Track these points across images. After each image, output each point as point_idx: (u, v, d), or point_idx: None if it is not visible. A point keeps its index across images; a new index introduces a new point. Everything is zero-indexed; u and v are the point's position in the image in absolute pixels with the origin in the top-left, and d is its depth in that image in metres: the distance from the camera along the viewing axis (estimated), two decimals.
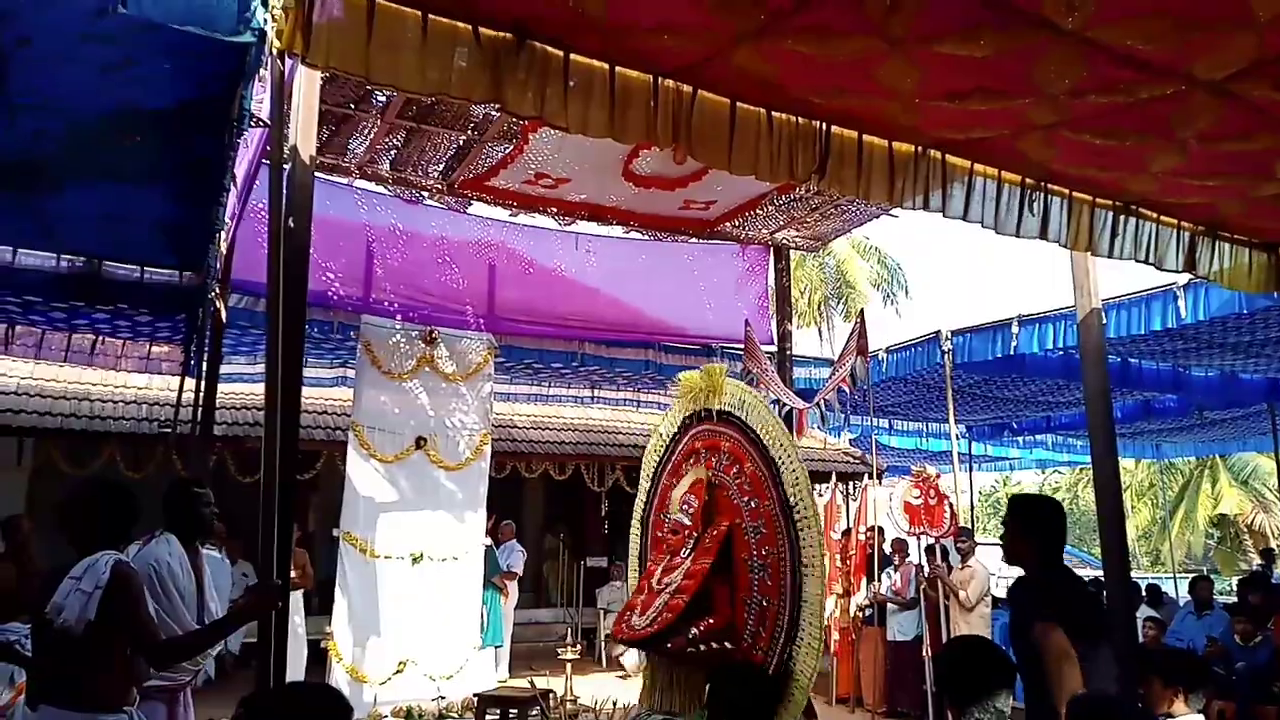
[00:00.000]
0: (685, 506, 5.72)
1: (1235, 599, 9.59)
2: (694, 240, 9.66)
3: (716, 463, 6.11)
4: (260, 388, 4.71)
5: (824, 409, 8.86)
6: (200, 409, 6.45)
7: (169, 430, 8.33)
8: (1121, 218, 4.45)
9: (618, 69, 3.26)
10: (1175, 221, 4.59)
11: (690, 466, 6.02)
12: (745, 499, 6.14)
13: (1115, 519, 4.79)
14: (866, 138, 3.76)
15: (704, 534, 5.94)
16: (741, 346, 9.75)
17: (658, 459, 5.91)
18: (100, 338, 7.99)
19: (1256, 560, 18.34)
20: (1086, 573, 19.38)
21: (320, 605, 10.23)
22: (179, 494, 4.19)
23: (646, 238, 9.63)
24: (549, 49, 3.12)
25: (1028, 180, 4.14)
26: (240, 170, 4.69)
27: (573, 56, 3.17)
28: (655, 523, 5.82)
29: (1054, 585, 3.49)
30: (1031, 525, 3.67)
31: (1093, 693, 2.17)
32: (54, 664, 3.16)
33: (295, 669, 8.82)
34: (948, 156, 3.93)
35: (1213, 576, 22.47)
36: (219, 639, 3.62)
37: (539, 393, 13.33)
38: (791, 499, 6.07)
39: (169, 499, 4.10)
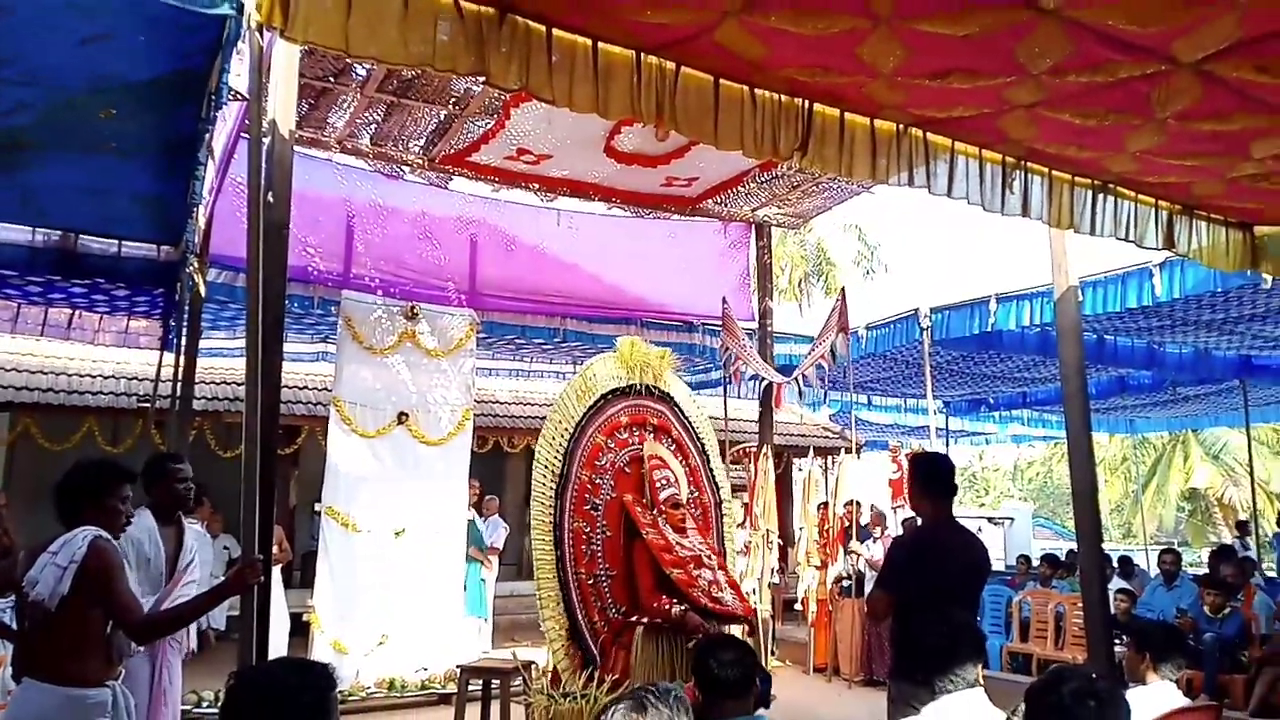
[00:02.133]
0: (667, 482, 5.77)
1: (1206, 570, 9.77)
2: (676, 217, 9.65)
3: (665, 444, 6.24)
4: (240, 362, 4.69)
5: (803, 384, 8.93)
6: (180, 383, 6.42)
7: (148, 404, 8.29)
8: (1100, 196, 4.49)
9: (601, 45, 3.25)
10: (1153, 200, 4.64)
11: (646, 440, 6.09)
12: (690, 488, 6.32)
13: (1089, 492, 4.86)
14: (849, 115, 3.77)
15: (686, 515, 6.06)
16: (720, 322, 9.79)
17: (583, 408, 5.90)
18: (77, 312, 7.93)
19: (1232, 532, 18.65)
20: (1060, 545, 19.66)
21: (302, 579, 10.25)
22: (156, 469, 4.21)
23: (628, 214, 9.62)
24: (531, 24, 3.11)
25: (1008, 159, 4.17)
26: (219, 144, 4.64)
27: (555, 32, 3.16)
28: (583, 485, 5.79)
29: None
30: (916, 480, 4.10)
31: (1060, 667, 2.23)
32: (35, 638, 3.17)
33: (277, 642, 8.85)
34: (929, 134, 3.95)
35: (1183, 549, 22.88)
36: (201, 615, 3.63)
37: (521, 368, 13.35)
38: (721, 495, 6.37)
39: (146, 474, 4.12)
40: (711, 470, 6.55)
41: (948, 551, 3.88)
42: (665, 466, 5.91)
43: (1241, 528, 14.82)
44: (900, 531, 9.55)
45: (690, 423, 6.49)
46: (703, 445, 6.52)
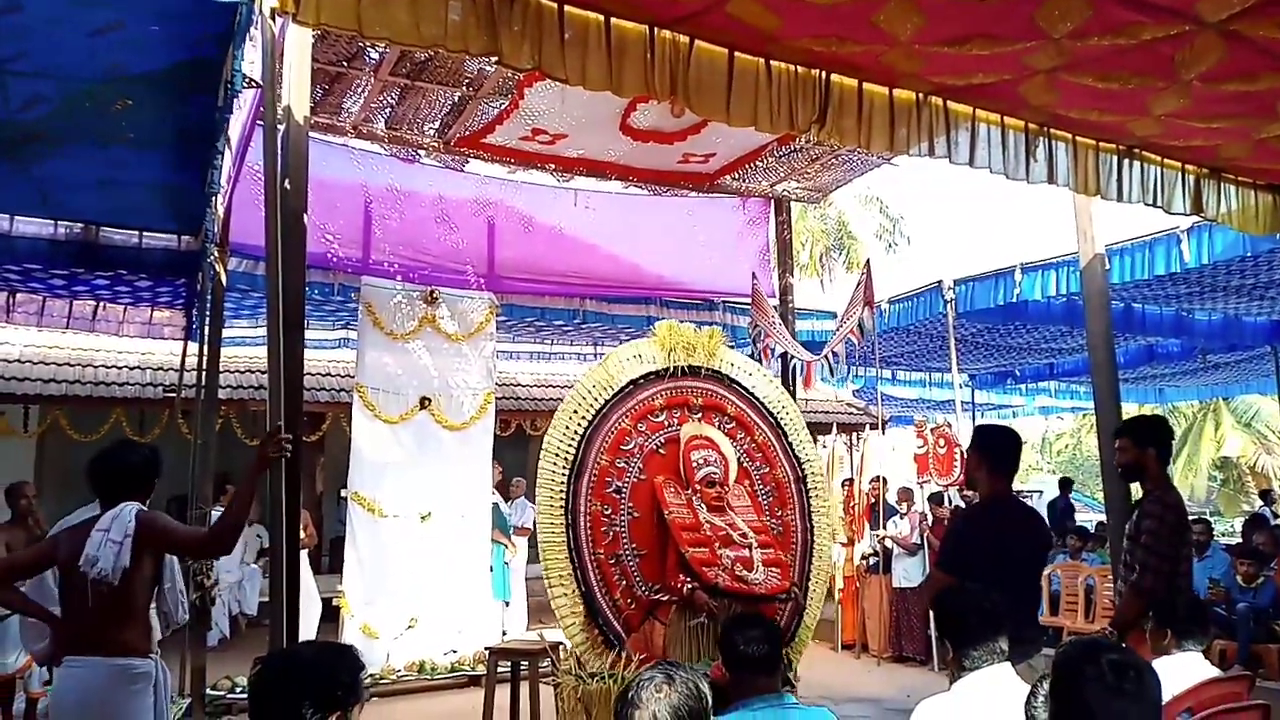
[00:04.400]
0: (705, 462, 5.75)
1: (1239, 540, 9.67)
2: (694, 194, 9.57)
3: (720, 424, 6.19)
4: (264, 350, 4.71)
5: (832, 361, 8.86)
6: (204, 373, 6.46)
7: (174, 394, 8.36)
8: (1126, 161, 4.42)
9: (613, 20, 3.22)
10: (1180, 164, 4.57)
11: (689, 421, 6.06)
12: (755, 464, 6.27)
13: None
14: (867, 86, 3.73)
15: (753, 492, 6.06)
16: (745, 300, 9.72)
17: (605, 397, 5.88)
18: (101, 304, 7.99)
19: (1258, 502, 18.44)
20: (1090, 517, 19.54)
21: (331, 564, 10.35)
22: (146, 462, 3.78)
23: (646, 192, 9.54)
24: (543, 1, 3.08)
25: (1031, 125, 4.11)
26: (235, 132, 4.64)
27: (567, 8, 3.14)
28: (604, 469, 5.79)
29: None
30: (982, 454, 3.90)
31: (1084, 638, 2.20)
32: (89, 616, 3.23)
33: (308, 627, 8.95)
34: (949, 103, 3.90)
35: (1215, 518, 22.65)
36: (248, 503, 3.62)
37: (541, 350, 13.34)
38: (805, 469, 6.28)
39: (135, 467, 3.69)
40: (790, 445, 6.48)
41: (1011, 528, 3.75)
42: (707, 446, 5.89)
43: (1265, 497, 14.65)
44: (926, 508, 9.51)
45: (758, 398, 6.41)
46: (776, 420, 6.45)
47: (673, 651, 5.27)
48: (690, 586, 5.23)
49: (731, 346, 6.81)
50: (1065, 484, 14.82)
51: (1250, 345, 10.75)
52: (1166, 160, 4.51)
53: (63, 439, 10.33)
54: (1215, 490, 26.65)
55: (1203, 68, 3.28)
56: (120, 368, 11.12)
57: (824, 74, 3.61)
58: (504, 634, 9.19)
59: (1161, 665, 3.04)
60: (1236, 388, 15.31)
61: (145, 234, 6.11)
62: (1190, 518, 7.83)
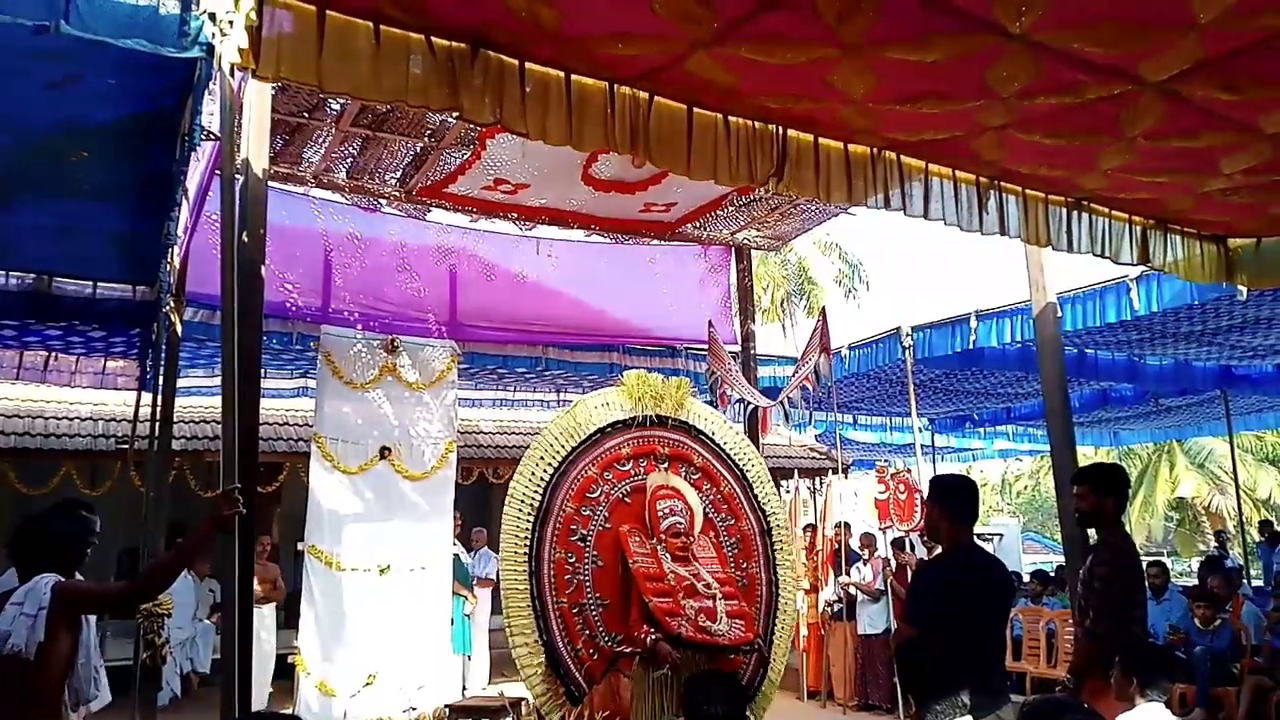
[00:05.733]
0: (670, 511, 5.74)
1: (1197, 581, 9.78)
2: (656, 242, 9.65)
3: (686, 474, 6.19)
4: (219, 400, 4.65)
5: (788, 406, 8.92)
6: (158, 423, 6.34)
7: (126, 446, 8.18)
8: (1075, 213, 4.53)
9: (574, 76, 3.26)
10: (1127, 216, 4.69)
11: (655, 470, 6.06)
12: (720, 515, 6.27)
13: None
14: (823, 140, 3.80)
15: (718, 543, 6.04)
16: (705, 346, 9.78)
17: (572, 444, 5.88)
18: (53, 354, 7.84)
19: (1213, 543, 18.71)
20: (1050, 559, 19.67)
21: (286, 620, 10.11)
22: (73, 532, 3.46)
23: (608, 241, 9.61)
24: (504, 58, 3.12)
25: (982, 179, 4.21)
26: (193, 183, 4.61)
27: (528, 65, 3.17)
28: (569, 516, 5.76)
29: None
30: (941, 505, 3.86)
31: (1051, 697, 2.22)
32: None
33: (260, 685, 8.71)
34: (903, 157, 3.98)
35: (1172, 559, 22.91)
36: (186, 560, 3.51)
37: (504, 397, 13.29)
38: (770, 522, 6.30)
39: (59, 537, 3.40)
40: (755, 497, 6.47)
41: (975, 577, 3.72)
42: (673, 496, 5.88)
43: (1219, 538, 14.86)
44: (889, 554, 9.53)
45: (724, 449, 6.43)
46: (742, 471, 6.45)
47: (636, 705, 5.20)
48: (653, 637, 5.18)
49: (696, 395, 6.84)
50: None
51: (1201, 389, 10.98)
52: (1114, 212, 4.63)
53: (11, 493, 10.06)
54: (1172, 531, 27.02)
55: (1146, 125, 3.39)
56: (72, 419, 10.89)
57: (781, 129, 3.68)
58: (464, 689, 9.02)
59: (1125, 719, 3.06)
60: (1190, 430, 15.60)
61: (99, 284, 6.03)
62: (1148, 560, 7.89)
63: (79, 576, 3.39)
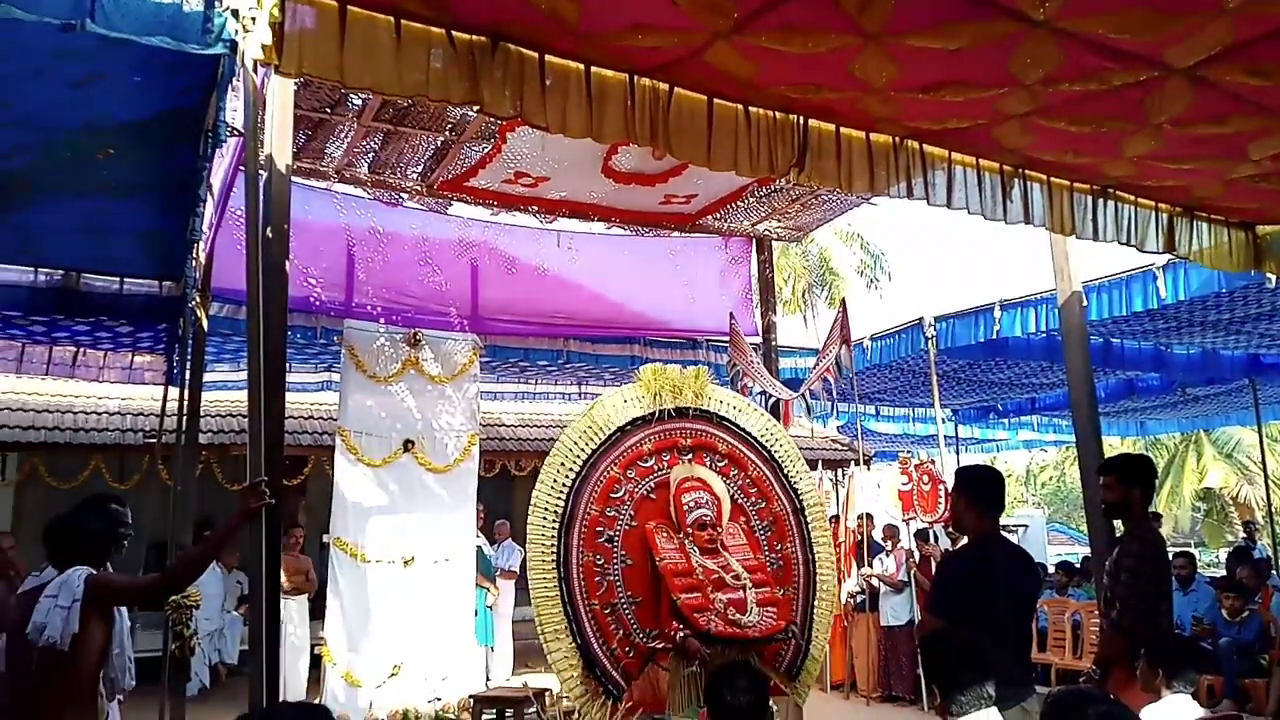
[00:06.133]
0: (696, 504, 5.73)
1: (1224, 572, 9.69)
2: (676, 234, 9.65)
3: (711, 463, 6.17)
4: (245, 394, 4.68)
5: (810, 399, 8.89)
6: (185, 417, 6.41)
7: (154, 440, 8.28)
8: (1100, 201, 4.49)
9: (594, 69, 3.26)
10: (1153, 204, 4.64)
11: (679, 463, 6.04)
12: (750, 500, 6.24)
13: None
14: (844, 130, 3.78)
15: (749, 529, 6.03)
16: (727, 339, 9.76)
17: (592, 446, 5.87)
18: (81, 350, 7.93)
19: (1240, 534, 18.50)
20: (1076, 550, 19.52)
21: (312, 612, 10.22)
22: (104, 527, 3.48)
23: (628, 233, 9.61)
24: (524, 51, 3.12)
25: (1006, 167, 4.17)
26: (217, 179, 4.65)
27: (548, 57, 3.17)
28: (595, 519, 5.76)
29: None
30: (966, 495, 3.86)
31: (1076, 688, 2.21)
32: (30, 690, 3.12)
33: (297, 679, 8.81)
34: (925, 146, 3.95)
35: (1200, 549, 22.64)
36: (213, 549, 3.65)
37: (526, 390, 13.33)
38: (803, 500, 6.26)
39: (91, 533, 3.44)
40: (787, 477, 6.44)
41: (1001, 567, 3.71)
42: (699, 487, 5.85)
43: (1248, 529, 14.71)
44: (912, 545, 9.50)
45: (750, 434, 6.39)
46: (770, 454, 6.42)
47: (672, 698, 5.22)
48: (683, 634, 5.18)
49: (715, 382, 6.80)
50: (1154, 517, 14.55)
51: (1229, 378, 10.86)
52: (1140, 200, 4.58)
53: (41, 487, 10.21)
54: (1199, 521, 26.73)
55: (1173, 112, 3.35)
56: (100, 413, 11.02)
57: (802, 119, 3.66)
58: (488, 680, 9.08)
59: (1151, 712, 3.03)
60: (1217, 420, 15.42)
61: (126, 280, 6.09)
62: (1174, 550, 7.80)
63: (110, 569, 3.44)
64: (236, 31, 2.76)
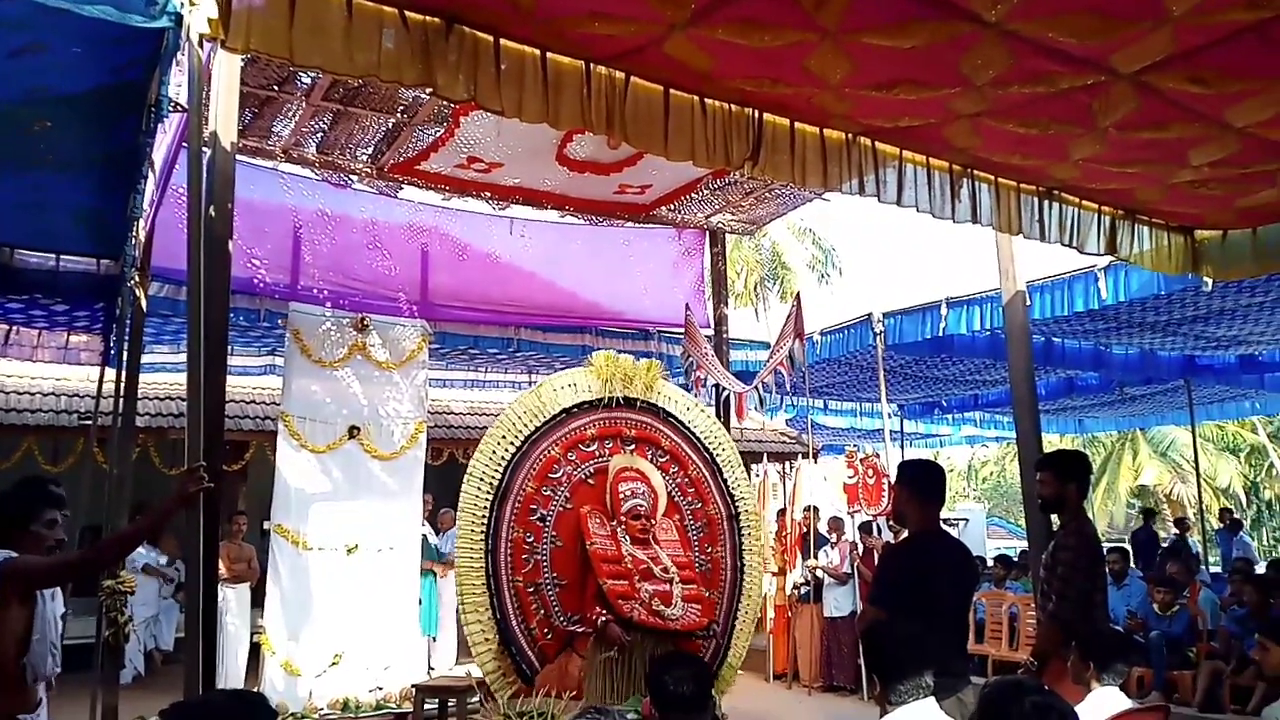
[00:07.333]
0: (633, 494, 5.74)
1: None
2: (630, 224, 9.63)
3: (653, 457, 6.19)
4: (184, 377, 4.57)
5: (762, 392, 8.95)
6: (122, 399, 6.25)
7: (89, 422, 8.06)
8: (1046, 202, 4.57)
9: (550, 55, 3.23)
10: (1096, 206, 4.73)
11: (621, 452, 6.05)
12: (687, 499, 6.27)
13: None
14: (799, 125, 3.79)
15: (681, 527, 6.04)
16: (679, 330, 9.78)
17: (536, 424, 5.86)
18: (14, 328, 7.70)
19: (1173, 530, 19.05)
20: (1013, 544, 19.93)
21: (253, 600, 10.06)
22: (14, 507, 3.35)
23: (582, 222, 9.57)
24: (479, 34, 3.08)
25: (955, 167, 4.23)
26: (159, 155, 4.53)
27: (504, 42, 3.13)
28: (529, 496, 5.75)
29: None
30: (909, 489, 3.93)
31: (1010, 678, 2.25)
32: None
33: (236, 667, 8.67)
34: (878, 143, 3.98)
35: (1130, 546, 23.18)
36: (147, 534, 3.54)
37: (475, 378, 13.24)
38: (738, 507, 6.31)
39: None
40: (725, 481, 6.46)
41: (941, 560, 3.78)
42: (638, 479, 5.87)
43: (1180, 525, 15.16)
44: (856, 538, 9.62)
45: (694, 433, 6.42)
46: (712, 456, 6.45)
47: (587, 685, 5.23)
48: (604, 619, 5.20)
49: (667, 377, 6.82)
50: (1148, 514, 14.82)
51: (1165, 379, 11.15)
52: (1084, 202, 4.67)
53: None
54: (1134, 518, 27.44)
55: (1118, 116, 3.41)
56: (33, 394, 10.71)
57: (757, 113, 3.67)
58: (431, 670, 9.02)
59: (1081, 707, 3.10)
60: (1153, 419, 15.85)
61: (63, 256, 5.91)
62: (1108, 546, 7.99)
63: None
64: (182, 4, 2.69)
